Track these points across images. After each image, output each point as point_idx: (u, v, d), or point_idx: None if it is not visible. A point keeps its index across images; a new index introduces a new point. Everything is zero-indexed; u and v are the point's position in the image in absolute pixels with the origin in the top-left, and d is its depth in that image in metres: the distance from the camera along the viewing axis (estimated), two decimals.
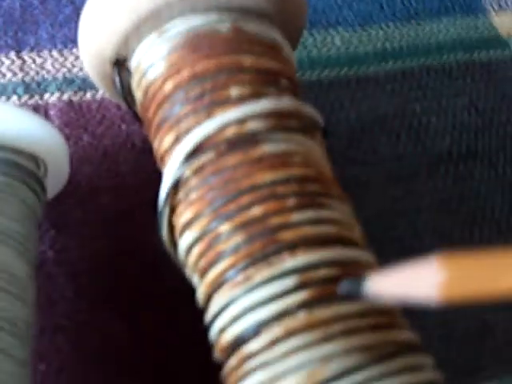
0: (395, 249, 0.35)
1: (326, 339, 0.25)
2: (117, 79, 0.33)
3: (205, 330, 0.28)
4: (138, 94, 0.32)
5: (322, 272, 0.26)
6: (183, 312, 0.33)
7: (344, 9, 0.44)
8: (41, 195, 0.31)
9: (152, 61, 0.31)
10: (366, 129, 0.40)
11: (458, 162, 0.39)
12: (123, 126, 0.38)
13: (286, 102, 0.30)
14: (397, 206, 0.38)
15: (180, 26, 0.31)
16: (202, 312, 0.28)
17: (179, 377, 0.33)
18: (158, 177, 0.34)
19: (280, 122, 0.29)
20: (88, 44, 0.33)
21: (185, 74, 0.30)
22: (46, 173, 0.32)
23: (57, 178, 0.33)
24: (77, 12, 0.42)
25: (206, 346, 0.28)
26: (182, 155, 0.29)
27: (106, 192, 0.36)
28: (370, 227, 0.29)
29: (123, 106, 0.38)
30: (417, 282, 0.23)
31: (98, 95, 0.39)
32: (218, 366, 0.27)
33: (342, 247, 0.27)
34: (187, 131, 0.29)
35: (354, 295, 0.24)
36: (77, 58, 0.40)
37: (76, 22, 0.41)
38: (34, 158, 0.31)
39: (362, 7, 0.44)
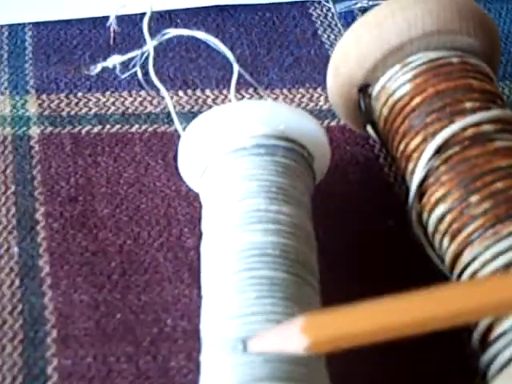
0: None
1: None
2: (362, 102, 0.43)
3: None
4: (384, 111, 0.42)
5: None
6: None
7: None
8: (312, 179, 0.41)
9: (399, 84, 0.41)
10: None
11: None
12: (348, 147, 0.48)
13: (507, 113, 0.40)
14: None
15: (421, 59, 0.41)
16: None
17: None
18: (378, 183, 0.44)
19: (504, 126, 0.39)
20: (339, 70, 0.43)
21: (430, 91, 0.40)
22: (313, 163, 0.41)
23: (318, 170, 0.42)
24: (297, 62, 0.53)
25: None
26: (432, 150, 0.38)
27: (339, 195, 0.45)
28: None
29: (346, 131, 0.48)
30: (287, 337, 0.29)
31: (324, 124, 0.49)
32: None
33: None
34: (434, 134, 0.39)
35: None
36: (302, 95, 0.50)
37: (297, 69, 0.52)
38: (308, 151, 0.40)
39: None
